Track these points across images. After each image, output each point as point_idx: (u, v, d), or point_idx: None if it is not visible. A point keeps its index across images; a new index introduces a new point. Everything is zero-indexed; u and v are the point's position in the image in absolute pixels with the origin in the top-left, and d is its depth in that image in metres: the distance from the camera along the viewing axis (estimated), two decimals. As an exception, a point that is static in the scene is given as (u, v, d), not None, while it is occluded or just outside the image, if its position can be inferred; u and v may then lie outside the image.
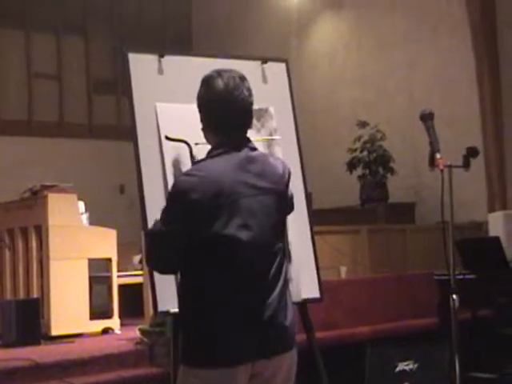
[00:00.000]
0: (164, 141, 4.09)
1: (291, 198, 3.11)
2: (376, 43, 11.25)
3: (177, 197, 2.84)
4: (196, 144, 3.89)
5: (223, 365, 2.79)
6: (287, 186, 3.02)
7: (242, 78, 2.96)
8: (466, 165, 4.05)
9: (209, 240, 2.79)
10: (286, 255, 3.01)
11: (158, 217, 2.91)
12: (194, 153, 3.95)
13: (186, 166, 3.97)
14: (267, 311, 2.84)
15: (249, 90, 2.96)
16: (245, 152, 2.92)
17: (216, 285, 2.82)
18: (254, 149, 2.99)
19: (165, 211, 2.89)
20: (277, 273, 2.90)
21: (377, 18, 11.23)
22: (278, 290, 2.89)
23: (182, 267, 2.91)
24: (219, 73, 2.95)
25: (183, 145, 4.01)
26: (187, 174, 2.91)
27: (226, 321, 2.81)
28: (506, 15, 9.47)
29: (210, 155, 2.93)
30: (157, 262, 2.96)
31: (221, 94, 2.90)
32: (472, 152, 4.07)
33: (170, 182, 3.94)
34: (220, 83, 2.91)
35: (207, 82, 2.95)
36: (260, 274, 2.86)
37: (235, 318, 2.81)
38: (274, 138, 4.32)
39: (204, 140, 3.02)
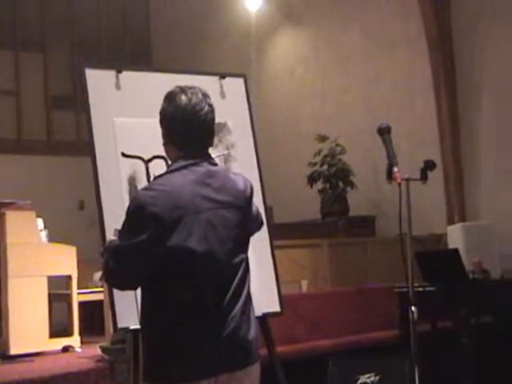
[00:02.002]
0: (120, 157, 4.08)
1: (257, 214, 3.13)
2: (335, 58, 11.32)
3: (137, 211, 2.82)
4: (152, 159, 3.89)
5: (186, 380, 2.78)
6: (249, 201, 3.03)
7: (205, 95, 2.99)
8: (424, 178, 4.08)
9: (168, 254, 2.78)
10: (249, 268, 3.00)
11: (113, 236, 2.89)
12: (150, 168, 3.96)
13: (142, 182, 3.97)
14: (230, 325, 2.83)
15: (211, 106, 2.99)
16: (205, 167, 2.93)
17: (177, 299, 2.81)
18: (215, 164, 3.01)
19: (126, 226, 2.88)
20: (239, 286, 2.90)
21: (335, 32, 11.31)
22: (240, 303, 2.89)
23: (143, 282, 2.89)
24: (182, 89, 2.97)
25: (139, 161, 4.01)
26: (147, 188, 2.92)
27: (188, 335, 2.79)
28: (461, 31, 9.59)
29: (170, 170, 2.94)
30: (119, 277, 2.93)
31: (183, 109, 2.92)
32: (429, 165, 4.10)
33: (126, 198, 3.93)
34: (183, 99, 2.93)
35: (170, 98, 2.97)
36: (221, 288, 2.85)
37: (197, 333, 2.80)
38: (224, 154, 4.33)
39: (161, 155, 3.03)
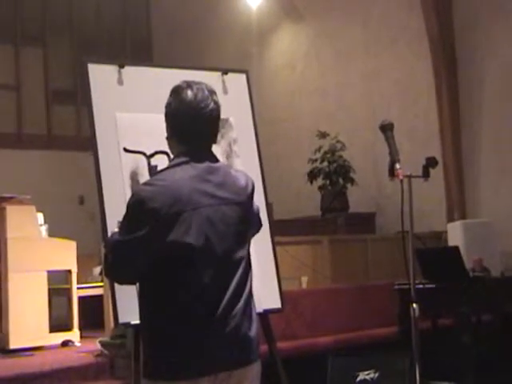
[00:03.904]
0: (122, 152, 4.07)
1: (257, 214, 3.11)
2: (335, 54, 11.32)
3: (136, 206, 2.81)
4: (154, 154, 3.89)
5: (186, 377, 2.76)
6: (251, 198, 3.01)
7: (211, 91, 2.96)
8: (426, 175, 4.08)
9: (168, 249, 2.76)
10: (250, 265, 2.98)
11: (116, 228, 2.90)
12: (153, 163, 3.95)
13: (144, 177, 3.96)
14: (231, 322, 2.81)
15: (216, 103, 2.96)
16: (206, 163, 2.91)
17: (176, 295, 2.79)
18: (216, 160, 2.98)
19: (125, 221, 2.86)
20: (241, 283, 2.88)
21: (336, 29, 11.30)
22: (242, 300, 2.86)
23: (142, 277, 2.88)
24: (189, 84, 2.95)
25: (142, 156, 4.00)
26: (147, 183, 2.91)
27: (188, 332, 2.77)
28: (463, 27, 9.59)
29: (171, 165, 2.92)
30: (118, 272, 2.92)
31: (189, 104, 2.90)
32: (431, 162, 4.10)
33: (128, 193, 3.92)
34: (189, 94, 2.91)
35: (176, 92, 2.95)
36: (222, 284, 2.83)
37: (197, 330, 2.77)
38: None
39: (163, 150, 3.02)
